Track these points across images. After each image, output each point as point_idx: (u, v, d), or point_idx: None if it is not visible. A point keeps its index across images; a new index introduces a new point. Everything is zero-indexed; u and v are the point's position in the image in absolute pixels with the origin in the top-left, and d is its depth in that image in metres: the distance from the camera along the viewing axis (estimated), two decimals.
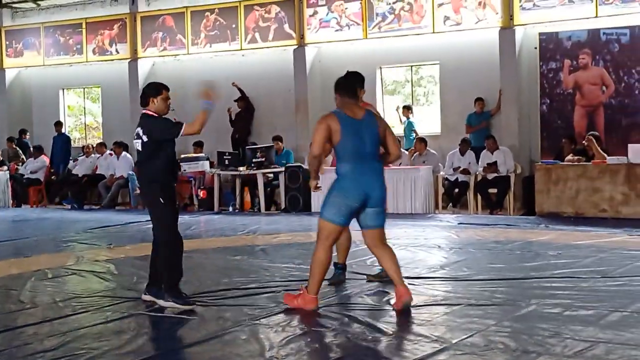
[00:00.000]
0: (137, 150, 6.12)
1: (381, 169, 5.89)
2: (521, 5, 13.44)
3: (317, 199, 13.25)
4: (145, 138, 6.00)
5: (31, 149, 17.60)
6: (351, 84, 6.22)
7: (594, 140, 11.58)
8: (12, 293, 6.71)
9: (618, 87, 12.96)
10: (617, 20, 12.86)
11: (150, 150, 6.02)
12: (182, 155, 14.96)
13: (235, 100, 15.96)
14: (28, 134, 18.60)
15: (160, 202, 6.01)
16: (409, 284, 6.45)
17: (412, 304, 5.72)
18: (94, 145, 17.16)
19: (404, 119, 14.98)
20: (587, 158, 11.62)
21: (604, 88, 13.07)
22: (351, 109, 5.91)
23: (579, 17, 13.04)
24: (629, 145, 11.30)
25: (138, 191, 15.12)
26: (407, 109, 15.01)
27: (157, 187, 6.04)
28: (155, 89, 6.17)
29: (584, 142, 11.83)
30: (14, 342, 5.04)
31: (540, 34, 13.57)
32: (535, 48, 13.64)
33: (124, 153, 15.79)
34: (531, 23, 13.56)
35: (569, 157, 11.85)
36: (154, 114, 6.09)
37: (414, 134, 14.47)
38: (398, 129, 15.24)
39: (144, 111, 6.14)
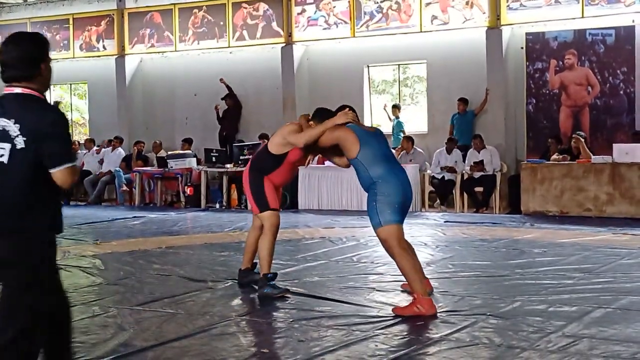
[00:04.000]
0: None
1: None
2: (508, 5, 13.50)
3: (303, 197, 13.29)
4: None
5: None
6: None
7: (582, 140, 11.67)
8: None
9: (603, 87, 13.04)
10: (602, 21, 12.94)
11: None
12: (169, 152, 14.97)
13: (222, 98, 15.96)
14: None
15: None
16: (395, 281, 6.50)
17: (398, 300, 5.75)
18: (81, 142, 17.12)
19: (392, 117, 15.02)
20: (572, 157, 11.70)
21: (589, 88, 13.14)
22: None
23: (565, 18, 13.12)
24: (614, 145, 11.39)
25: (124, 187, 15.29)
26: (396, 108, 15.06)
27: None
28: None
29: (572, 142, 11.91)
30: None
31: (526, 34, 13.63)
32: (522, 48, 13.71)
33: (119, 149, 15.89)
34: (518, 23, 13.62)
35: (555, 156, 11.92)
36: None
37: (402, 134, 14.52)
38: (387, 128, 15.29)
39: None
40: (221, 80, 15.85)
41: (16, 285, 3.37)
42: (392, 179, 5.72)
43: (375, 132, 6.10)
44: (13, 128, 3.34)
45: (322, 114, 6.31)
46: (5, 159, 3.35)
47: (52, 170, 3.34)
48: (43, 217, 3.41)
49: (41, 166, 3.35)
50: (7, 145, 3.34)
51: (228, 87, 15.91)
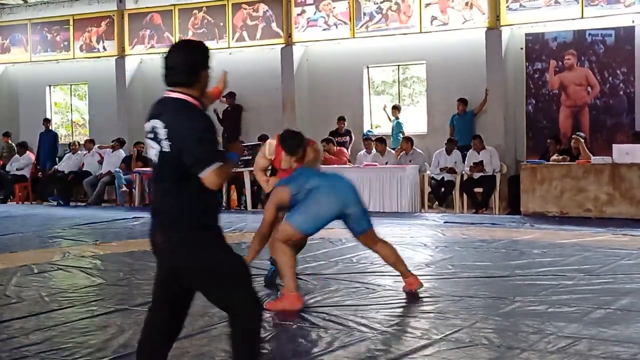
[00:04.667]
0: None
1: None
2: (508, 6, 13.51)
3: None
4: None
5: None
6: None
7: (582, 141, 11.67)
8: None
9: (603, 87, 13.04)
10: (602, 21, 12.94)
11: None
12: None
13: (223, 97, 15.96)
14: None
15: None
16: (396, 282, 6.50)
17: (398, 301, 5.76)
18: (81, 143, 17.12)
19: (392, 118, 15.03)
20: (572, 158, 11.70)
21: (589, 89, 13.15)
22: None
23: (564, 18, 13.12)
24: (614, 145, 11.39)
25: (124, 188, 15.29)
26: (396, 109, 15.06)
27: None
28: None
29: (572, 142, 11.91)
30: (0, 336, 5.04)
31: (526, 34, 13.64)
32: (522, 48, 13.71)
33: (120, 150, 15.93)
34: (517, 24, 13.63)
35: (554, 157, 11.93)
36: None
37: (402, 135, 14.53)
38: (386, 129, 15.31)
39: None
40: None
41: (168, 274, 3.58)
42: None
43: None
44: (162, 131, 3.46)
45: (290, 143, 6.33)
46: (156, 159, 3.53)
47: (200, 176, 3.40)
48: (193, 214, 3.49)
49: (185, 168, 3.42)
50: (157, 147, 3.50)
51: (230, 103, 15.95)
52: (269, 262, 6.69)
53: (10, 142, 17.85)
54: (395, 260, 6.24)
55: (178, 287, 3.61)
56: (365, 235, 6.12)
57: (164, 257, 3.58)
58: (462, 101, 13.91)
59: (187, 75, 3.50)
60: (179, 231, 3.48)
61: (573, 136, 12.13)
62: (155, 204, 3.63)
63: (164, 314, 3.70)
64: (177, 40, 3.46)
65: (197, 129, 3.42)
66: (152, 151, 3.53)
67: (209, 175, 3.39)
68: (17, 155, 16.98)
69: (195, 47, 3.62)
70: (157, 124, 3.47)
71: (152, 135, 3.51)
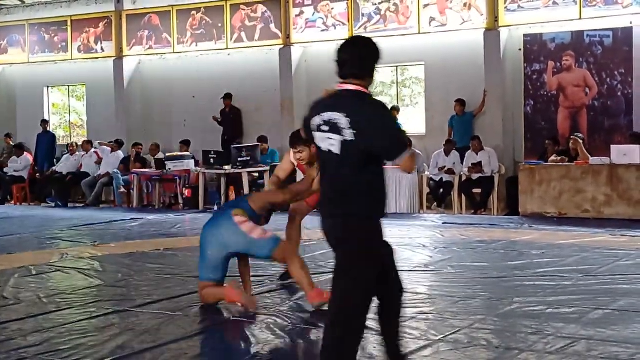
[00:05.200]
0: None
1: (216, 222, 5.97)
2: (506, 7, 13.51)
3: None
4: None
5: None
6: None
7: (580, 141, 11.68)
8: None
9: (601, 88, 13.04)
10: (600, 22, 12.94)
11: None
12: (168, 154, 14.96)
13: (221, 98, 15.95)
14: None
15: None
16: None
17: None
18: (79, 144, 17.11)
19: None
20: (570, 159, 11.70)
21: (587, 90, 13.15)
22: None
23: (562, 19, 13.12)
24: (612, 146, 11.39)
25: (122, 189, 15.27)
26: (395, 110, 15.06)
27: None
28: None
29: (570, 143, 11.92)
30: None
31: (524, 35, 13.64)
32: (520, 49, 13.71)
33: (119, 151, 15.93)
34: (516, 25, 13.63)
35: (553, 157, 11.93)
36: None
37: None
38: None
39: None
40: (214, 118, 15.90)
41: (346, 262, 3.72)
42: None
43: None
44: (344, 121, 3.59)
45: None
46: (336, 149, 3.61)
47: (395, 162, 3.59)
48: (371, 203, 3.65)
49: (369, 157, 3.58)
50: (338, 137, 3.60)
51: (216, 120, 15.93)
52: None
53: (11, 143, 17.84)
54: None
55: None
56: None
57: (339, 245, 3.72)
58: (460, 102, 13.91)
59: (361, 68, 3.72)
60: (360, 219, 3.63)
61: (571, 137, 12.13)
62: (330, 194, 3.72)
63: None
64: (349, 39, 3.64)
65: (385, 119, 3.62)
66: (328, 142, 3.64)
67: (405, 161, 3.59)
68: (14, 157, 16.96)
69: (369, 42, 3.84)
70: (336, 115, 3.60)
71: (327, 128, 3.65)
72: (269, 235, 5.69)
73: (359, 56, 3.75)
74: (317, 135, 3.72)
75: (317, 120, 3.71)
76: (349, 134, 3.56)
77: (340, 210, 3.66)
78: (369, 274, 3.69)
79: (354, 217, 3.63)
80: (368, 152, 3.57)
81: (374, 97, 3.72)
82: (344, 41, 3.83)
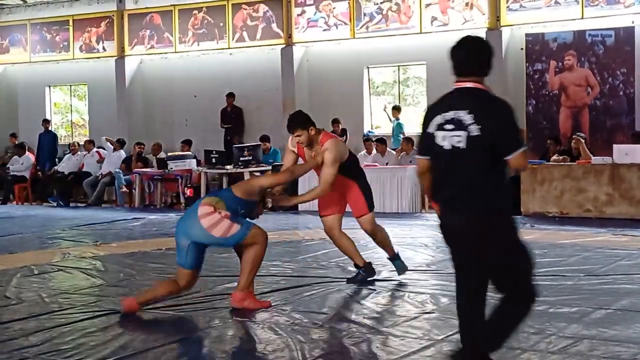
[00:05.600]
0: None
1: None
2: (508, 7, 13.51)
3: None
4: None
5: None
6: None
7: (582, 141, 11.67)
8: None
9: (603, 88, 13.04)
10: (602, 22, 12.95)
11: None
12: (169, 154, 14.97)
13: (226, 95, 15.95)
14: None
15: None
16: (396, 282, 6.51)
17: (398, 302, 5.75)
18: (81, 143, 17.11)
19: (392, 119, 15.04)
20: (572, 158, 11.69)
21: (589, 89, 13.15)
22: None
23: (565, 19, 13.13)
24: (614, 145, 11.38)
25: (124, 189, 15.28)
26: (397, 109, 15.06)
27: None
28: None
29: (572, 143, 11.91)
30: (0, 338, 5.03)
31: (526, 35, 13.64)
32: (522, 49, 13.71)
33: (121, 150, 15.96)
34: (517, 24, 13.63)
35: (554, 157, 11.92)
36: None
37: (402, 136, 14.55)
38: (386, 129, 15.30)
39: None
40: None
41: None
42: None
43: None
44: (467, 118, 3.72)
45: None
46: (462, 145, 3.72)
47: (508, 157, 3.70)
48: (501, 196, 3.79)
49: (493, 151, 3.69)
50: (463, 133, 3.72)
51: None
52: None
53: (17, 142, 17.83)
54: None
55: (475, 269, 3.87)
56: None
57: (463, 240, 3.80)
58: None
59: (481, 67, 3.86)
60: (486, 213, 3.73)
61: (573, 136, 12.12)
62: (455, 190, 3.80)
63: (471, 298, 3.96)
64: (464, 38, 3.79)
65: (507, 114, 3.73)
66: (455, 139, 3.74)
67: (517, 157, 3.71)
68: (16, 157, 16.97)
69: (484, 40, 4.01)
70: (460, 113, 3.73)
71: (451, 126, 3.76)
72: (233, 231, 5.46)
73: (476, 55, 3.88)
74: (439, 134, 3.81)
75: (438, 119, 3.82)
76: (474, 129, 3.69)
77: (471, 205, 3.77)
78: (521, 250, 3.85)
79: (489, 211, 3.75)
80: (492, 146, 3.69)
81: (494, 95, 3.86)
82: (459, 40, 3.94)
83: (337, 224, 6.56)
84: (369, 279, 6.60)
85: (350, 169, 6.48)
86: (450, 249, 3.94)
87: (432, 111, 3.91)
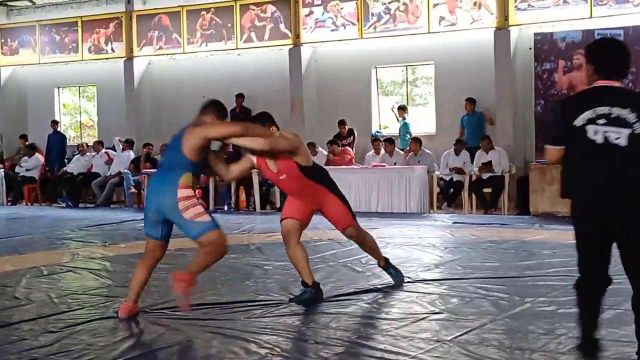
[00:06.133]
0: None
1: (164, 178, 5.43)
2: (516, 6, 13.48)
3: None
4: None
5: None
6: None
7: None
8: (7, 290, 6.72)
9: None
10: (611, 21, 12.89)
11: None
12: None
13: (236, 95, 15.96)
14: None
15: None
16: (405, 282, 6.50)
17: (408, 302, 5.74)
18: (89, 144, 17.15)
19: (399, 119, 15.03)
20: None
21: None
22: None
23: (573, 18, 13.08)
24: None
25: (133, 189, 15.30)
26: (403, 109, 15.05)
27: None
28: None
29: None
30: (9, 338, 5.05)
31: (535, 34, 13.60)
32: (530, 48, 13.67)
33: (129, 151, 15.99)
34: (526, 24, 13.59)
35: None
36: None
37: (409, 135, 14.54)
38: (394, 129, 15.28)
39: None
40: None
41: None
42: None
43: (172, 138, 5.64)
44: (631, 116, 3.94)
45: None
46: (623, 142, 3.92)
47: None
48: None
49: None
50: (625, 130, 3.92)
51: None
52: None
53: (27, 144, 17.88)
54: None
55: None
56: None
57: (619, 231, 4.06)
58: (470, 100, 13.89)
59: (625, 68, 4.13)
60: None
61: None
62: (611, 186, 3.97)
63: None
64: (612, 39, 4.09)
65: None
66: (613, 135, 3.91)
67: None
68: (26, 157, 17.04)
69: (625, 44, 4.24)
70: (619, 110, 3.92)
71: (604, 120, 3.93)
72: (202, 219, 5.29)
73: (623, 57, 4.13)
74: (590, 128, 3.96)
75: (589, 114, 3.97)
76: (638, 127, 3.90)
77: (631, 200, 3.96)
78: None
79: None
80: None
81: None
82: (603, 42, 4.29)
83: (297, 230, 6.07)
84: (314, 300, 5.92)
85: (321, 176, 6.11)
86: (586, 242, 4.33)
87: (577, 105, 4.10)
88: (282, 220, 6.14)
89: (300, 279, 6.05)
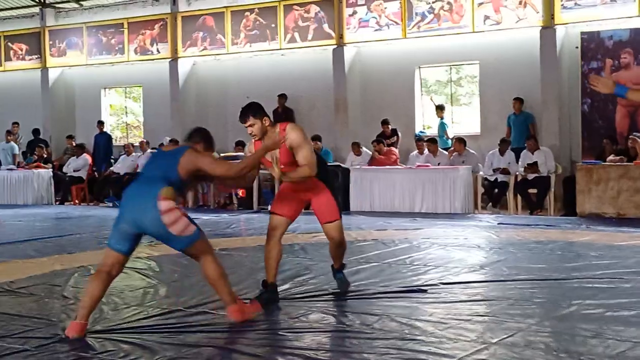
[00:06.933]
0: None
1: (147, 191, 5.31)
2: (562, 5, 13.33)
3: (355, 199, 13.28)
4: None
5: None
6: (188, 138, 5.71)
7: (639, 141, 11.46)
8: (55, 289, 6.83)
9: None
10: None
11: None
12: (222, 154, 15.08)
13: (278, 95, 16.02)
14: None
15: None
16: (448, 283, 6.46)
17: (450, 302, 5.71)
18: (135, 144, 17.36)
19: (437, 118, 15.00)
20: (629, 158, 11.48)
21: None
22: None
23: (620, 16, 12.90)
24: None
25: None
26: (440, 109, 14.99)
27: None
28: None
29: (629, 143, 11.71)
30: (58, 337, 5.13)
31: (581, 33, 13.44)
32: (577, 47, 13.52)
33: None
34: (572, 22, 13.44)
35: (611, 157, 11.72)
36: None
37: (445, 135, 14.52)
38: (436, 129, 15.21)
39: None
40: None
41: None
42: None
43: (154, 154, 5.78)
44: None
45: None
46: None
47: None
48: None
49: None
50: None
51: None
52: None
53: (74, 144, 18.14)
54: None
55: None
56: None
57: None
58: (519, 100, 13.78)
59: None
60: None
61: (630, 136, 11.91)
62: None
63: None
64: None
65: None
66: None
67: None
68: (74, 157, 17.30)
69: None
70: None
71: None
72: (189, 231, 5.24)
73: None
74: None
75: None
76: None
77: None
78: None
79: None
80: None
81: None
82: None
83: (282, 228, 6.12)
84: (269, 302, 5.91)
85: (322, 172, 6.12)
86: None
87: None
88: (271, 213, 6.23)
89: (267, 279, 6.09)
